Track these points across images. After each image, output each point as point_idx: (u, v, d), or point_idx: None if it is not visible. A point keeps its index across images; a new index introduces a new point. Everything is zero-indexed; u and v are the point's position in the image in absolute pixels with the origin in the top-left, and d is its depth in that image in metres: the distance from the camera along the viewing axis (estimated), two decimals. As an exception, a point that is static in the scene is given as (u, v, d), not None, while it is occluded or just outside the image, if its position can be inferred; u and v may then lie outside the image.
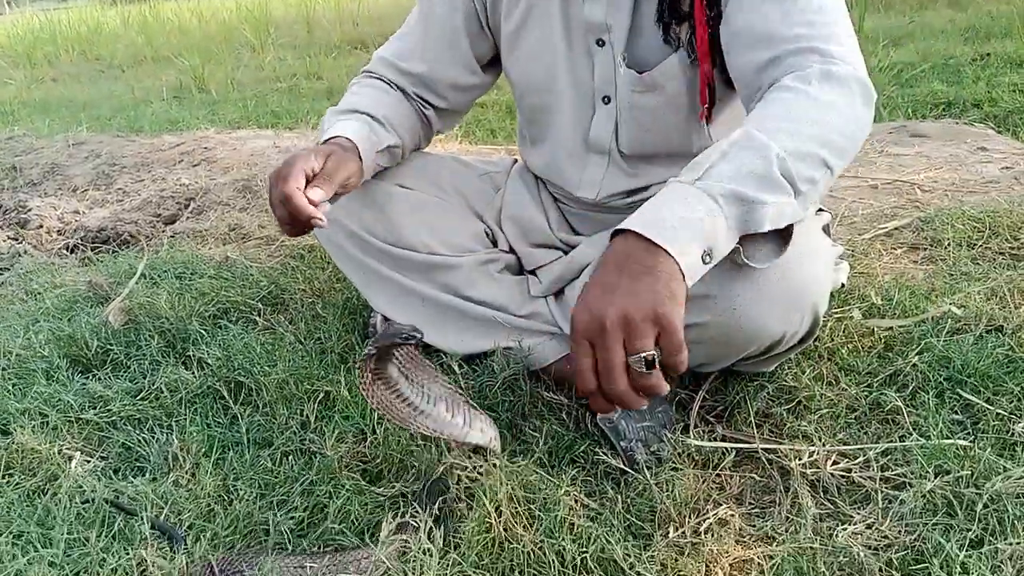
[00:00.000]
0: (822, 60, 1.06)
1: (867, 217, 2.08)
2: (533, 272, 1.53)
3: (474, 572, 1.02)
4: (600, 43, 1.33)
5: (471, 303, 1.47)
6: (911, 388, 1.33)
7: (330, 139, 1.35)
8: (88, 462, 1.32)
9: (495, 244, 1.55)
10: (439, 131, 1.60)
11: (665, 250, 0.91)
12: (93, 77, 6.85)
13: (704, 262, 0.94)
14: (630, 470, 1.22)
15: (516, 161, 1.67)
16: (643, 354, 0.88)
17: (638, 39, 1.31)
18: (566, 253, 1.50)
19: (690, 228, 0.93)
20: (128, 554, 1.06)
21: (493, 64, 1.54)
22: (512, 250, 1.55)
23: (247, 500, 1.17)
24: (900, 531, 1.06)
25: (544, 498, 1.13)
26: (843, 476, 1.18)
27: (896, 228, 1.96)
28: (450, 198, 1.55)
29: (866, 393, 1.34)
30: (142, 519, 1.12)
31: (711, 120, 1.32)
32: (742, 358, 1.24)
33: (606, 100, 1.37)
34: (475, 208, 1.55)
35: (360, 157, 1.34)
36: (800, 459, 1.20)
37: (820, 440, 1.24)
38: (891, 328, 1.49)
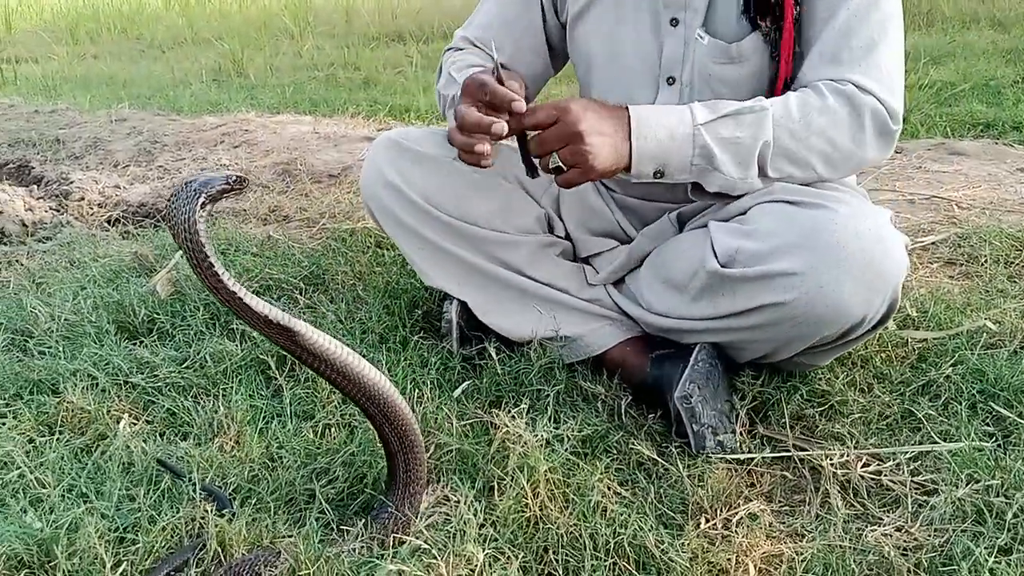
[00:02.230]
0: (856, 89, 1.27)
1: (904, 231, 2.08)
2: (587, 261, 1.56)
3: (510, 548, 1.05)
4: (674, 23, 1.37)
5: (534, 282, 1.49)
6: (943, 399, 1.35)
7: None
8: (135, 424, 1.37)
9: (551, 230, 1.58)
10: None
11: (631, 153, 1.25)
12: (133, 56, 6.93)
13: (655, 176, 1.27)
14: (669, 458, 1.24)
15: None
16: (558, 163, 1.25)
17: (715, 14, 1.35)
18: (621, 243, 1.54)
19: (660, 153, 1.25)
20: (178, 513, 1.10)
21: (558, 55, 1.59)
22: (568, 237, 1.58)
23: (291, 468, 1.21)
24: (929, 535, 1.08)
25: (578, 483, 1.16)
26: (873, 479, 1.20)
27: (932, 243, 1.98)
28: (509, 181, 1.57)
29: (898, 401, 1.36)
30: (190, 481, 1.16)
31: None
32: (815, 344, 1.26)
33: (670, 81, 1.39)
34: (532, 193, 1.58)
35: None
36: (831, 460, 1.22)
37: (852, 443, 1.26)
38: (925, 340, 1.51)
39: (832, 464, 1.21)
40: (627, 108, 1.25)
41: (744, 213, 1.30)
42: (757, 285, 1.22)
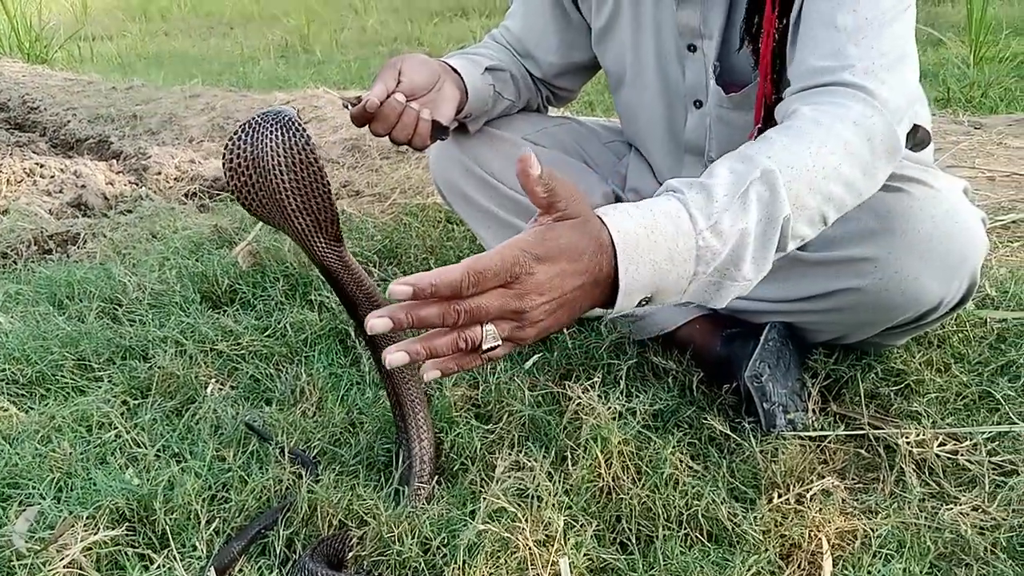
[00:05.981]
0: (865, 103, 1.00)
1: (983, 209, 2.03)
2: None
3: (583, 516, 1.08)
4: (692, 48, 1.32)
5: None
6: (1023, 380, 1.33)
7: None
8: (221, 389, 1.43)
9: None
10: (550, 104, 1.64)
11: (617, 288, 0.86)
12: (203, 33, 7.09)
13: (638, 304, 0.89)
14: (763, 431, 1.23)
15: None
16: (500, 340, 0.83)
17: (731, 54, 1.29)
18: None
19: (656, 277, 0.86)
20: (266, 474, 1.15)
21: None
22: None
23: (371, 433, 1.25)
24: (1008, 514, 1.07)
25: (650, 456, 1.18)
26: (950, 459, 1.19)
27: (1013, 221, 1.92)
28: (575, 158, 1.58)
29: (976, 381, 1.34)
30: (277, 444, 1.21)
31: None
32: (890, 326, 1.24)
33: (697, 104, 1.37)
34: (600, 172, 1.59)
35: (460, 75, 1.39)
36: (907, 439, 1.22)
37: (928, 422, 1.25)
38: (1004, 320, 1.48)
39: (908, 443, 1.21)
40: (606, 226, 0.85)
41: None
42: (831, 270, 1.20)
